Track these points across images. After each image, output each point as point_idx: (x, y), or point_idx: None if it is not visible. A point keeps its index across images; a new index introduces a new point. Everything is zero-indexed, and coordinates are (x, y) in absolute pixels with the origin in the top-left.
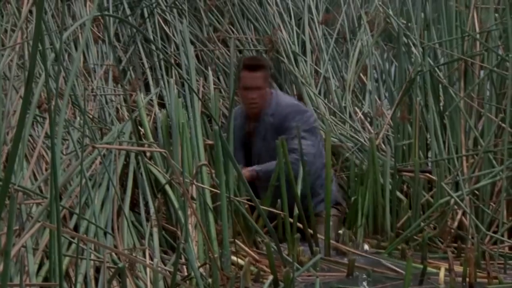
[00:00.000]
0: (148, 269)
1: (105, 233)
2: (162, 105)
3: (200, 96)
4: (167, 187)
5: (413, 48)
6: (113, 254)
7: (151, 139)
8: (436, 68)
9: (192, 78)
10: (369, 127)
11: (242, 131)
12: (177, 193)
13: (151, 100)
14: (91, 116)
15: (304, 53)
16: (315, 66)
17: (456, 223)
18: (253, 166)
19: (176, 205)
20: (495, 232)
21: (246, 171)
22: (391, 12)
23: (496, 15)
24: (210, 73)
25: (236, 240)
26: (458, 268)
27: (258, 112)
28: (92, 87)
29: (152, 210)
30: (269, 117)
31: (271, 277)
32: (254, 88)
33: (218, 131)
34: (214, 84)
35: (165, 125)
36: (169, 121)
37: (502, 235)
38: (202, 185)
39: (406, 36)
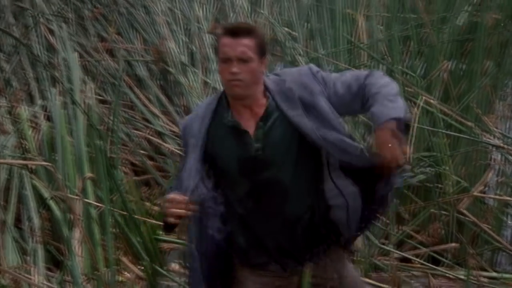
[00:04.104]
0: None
1: None
2: (49, 118)
3: (86, 108)
4: (51, 202)
5: (298, 58)
6: None
7: (34, 153)
8: None
9: (75, 89)
10: None
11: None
12: (64, 207)
13: (38, 112)
14: None
15: (193, 63)
16: (204, 77)
17: None
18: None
19: (60, 220)
20: (383, 244)
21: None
22: (275, 21)
23: (381, 27)
24: (91, 83)
25: (122, 257)
26: None
27: (244, 95)
28: None
29: (36, 226)
30: (280, 93)
31: None
32: (237, 59)
33: (99, 145)
34: (99, 95)
35: (48, 138)
36: (54, 133)
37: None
38: (87, 200)
39: (292, 45)
